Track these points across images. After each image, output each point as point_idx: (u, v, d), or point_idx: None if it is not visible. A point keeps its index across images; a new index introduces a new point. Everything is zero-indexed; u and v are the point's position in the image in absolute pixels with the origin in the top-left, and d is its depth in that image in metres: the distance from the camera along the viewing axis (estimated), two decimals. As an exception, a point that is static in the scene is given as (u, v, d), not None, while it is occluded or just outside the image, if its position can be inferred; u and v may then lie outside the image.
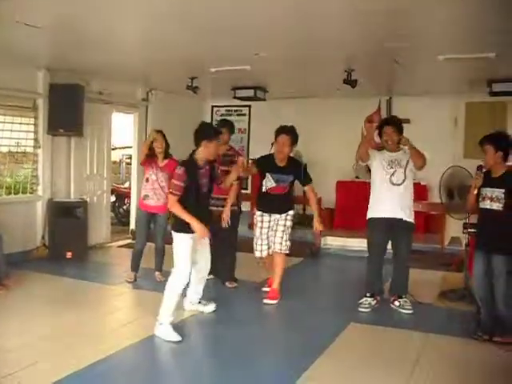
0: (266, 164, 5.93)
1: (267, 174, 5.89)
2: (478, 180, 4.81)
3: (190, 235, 4.80)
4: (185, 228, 4.80)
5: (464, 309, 5.59)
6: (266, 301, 5.95)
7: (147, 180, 6.50)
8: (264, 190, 5.95)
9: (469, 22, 4.90)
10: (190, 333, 4.87)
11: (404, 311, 5.65)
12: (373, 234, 5.76)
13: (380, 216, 5.64)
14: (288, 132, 5.77)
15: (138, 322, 5.28)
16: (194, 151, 4.88)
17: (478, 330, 4.76)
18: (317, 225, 5.88)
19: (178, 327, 4.81)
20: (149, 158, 6.55)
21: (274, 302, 5.94)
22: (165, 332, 4.69)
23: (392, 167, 5.62)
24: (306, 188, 6.00)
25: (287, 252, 6.00)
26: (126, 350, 4.47)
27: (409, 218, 5.62)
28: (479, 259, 4.83)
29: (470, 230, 5.73)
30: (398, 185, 5.58)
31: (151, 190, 6.43)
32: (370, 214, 5.75)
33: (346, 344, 4.73)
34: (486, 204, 4.76)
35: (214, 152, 4.85)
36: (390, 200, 5.58)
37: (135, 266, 6.72)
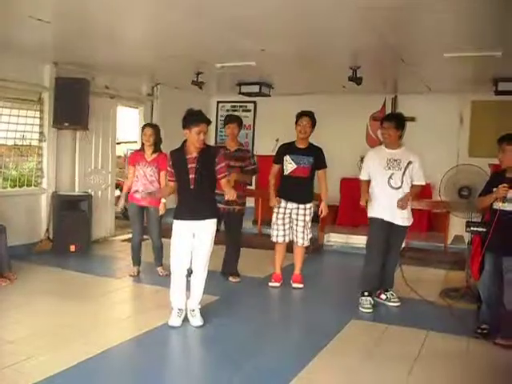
0: (286, 148, 6.26)
1: (286, 156, 6.15)
2: (505, 193, 4.59)
3: (178, 221, 4.85)
4: (178, 214, 4.89)
5: (466, 307, 5.58)
6: (294, 285, 6.35)
7: (137, 177, 6.52)
8: (285, 173, 6.18)
9: (475, 20, 4.89)
10: (190, 326, 4.88)
11: (391, 304, 5.73)
12: (374, 233, 5.64)
13: (380, 217, 5.56)
14: (309, 115, 6.17)
15: (140, 316, 5.30)
16: (185, 140, 4.87)
17: (478, 328, 4.75)
18: (323, 207, 6.18)
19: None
20: (135, 155, 6.68)
21: (302, 285, 6.35)
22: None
23: (390, 168, 5.53)
24: (320, 171, 6.22)
25: (308, 244, 6.38)
26: (128, 344, 4.48)
27: (406, 222, 5.62)
28: (490, 259, 4.78)
29: (472, 228, 5.70)
30: (396, 189, 5.52)
31: (141, 185, 6.43)
32: (372, 213, 5.65)
33: (347, 341, 4.74)
34: (506, 205, 4.64)
35: (194, 140, 4.71)
36: (388, 203, 5.50)
37: (136, 260, 6.74)
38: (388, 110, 10.02)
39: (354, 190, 6.88)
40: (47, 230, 7.98)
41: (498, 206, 4.67)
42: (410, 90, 9.60)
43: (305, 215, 6.18)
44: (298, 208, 6.17)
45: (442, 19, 4.91)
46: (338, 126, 10.10)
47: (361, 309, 5.57)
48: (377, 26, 5.22)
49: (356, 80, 7.41)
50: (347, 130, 10.14)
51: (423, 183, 5.65)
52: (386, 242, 5.62)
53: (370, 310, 5.55)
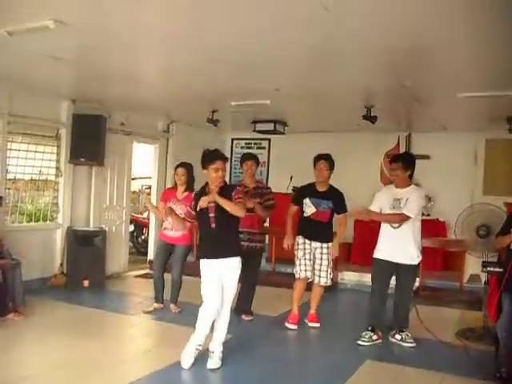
0: (305, 190, 6.27)
1: (305, 199, 6.15)
2: None
3: (207, 261, 4.80)
4: (202, 253, 4.89)
5: (483, 349, 5.47)
6: (310, 324, 6.32)
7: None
8: (305, 215, 6.17)
9: (489, 60, 4.92)
10: (205, 365, 4.82)
11: (406, 345, 5.65)
12: (375, 273, 5.81)
13: (381, 257, 5.67)
14: (326, 158, 6.17)
15: (153, 354, 5.27)
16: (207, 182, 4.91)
17: (497, 371, 4.63)
18: (334, 250, 6.14)
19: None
20: (168, 192, 6.75)
21: (318, 324, 6.31)
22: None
23: (394, 207, 5.59)
24: (339, 216, 6.20)
25: (330, 284, 6.37)
26: (142, 381, 4.44)
27: (411, 261, 5.61)
28: (508, 300, 4.70)
29: (489, 268, 5.63)
30: (395, 228, 5.57)
31: (169, 223, 6.45)
32: (375, 254, 5.78)
33: (362, 382, 4.67)
34: None
35: (213, 178, 4.75)
36: (389, 243, 5.63)
37: (158, 296, 6.72)
38: (402, 148, 10.05)
39: (368, 228, 6.87)
40: (61, 264, 8.01)
41: None
42: (424, 129, 9.61)
43: (328, 254, 6.16)
44: (322, 247, 6.15)
45: (457, 61, 4.96)
46: (352, 164, 10.08)
47: (358, 342, 5.65)
48: (392, 67, 5.28)
49: (370, 119, 7.45)
50: (361, 167, 10.14)
51: (408, 214, 5.47)
52: (389, 280, 5.76)
53: (367, 344, 5.63)
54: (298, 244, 6.22)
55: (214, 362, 4.79)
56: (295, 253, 6.25)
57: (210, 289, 4.77)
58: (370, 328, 5.73)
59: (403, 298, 5.73)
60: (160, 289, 6.72)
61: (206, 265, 4.82)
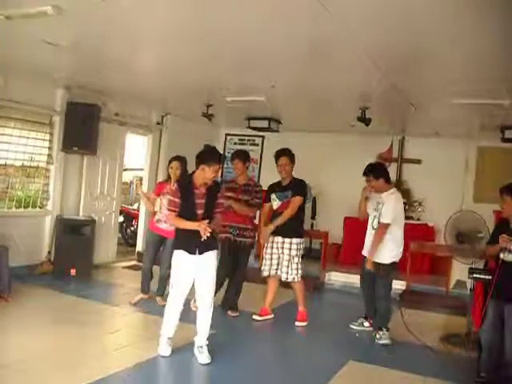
0: (272, 187, 6.40)
1: (272, 194, 6.30)
2: (505, 244, 4.57)
3: (185, 254, 4.77)
4: (179, 245, 4.83)
5: (466, 354, 5.49)
6: (297, 323, 6.29)
7: (160, 207, 6.51)
8: (274, 210, 6.29)
9: (485, 69, 4.96)
10: (187, 359, 4.81)
11: (380, 342, 5.76)
12: (362, 268, 6.09)
13: (363, 253, 6.04)
14: (286, 153, 6.29)
15: (137, 345, 5.24)
16: (193, 172, 4.85)
17: (478, 376, 4.66)
18: (270, 226, 6.17)
19: (177, 351, 4.87)
20: (161, 186, 6.66)
21: (305, 323, 6.31)
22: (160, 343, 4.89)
23: (376, 210, 5.89)
24: (294, 198, 6.15)
25: (297, 280, 6.20)
26: (124, 372, 4.44)
27: (380, 259, 5.77)
28: (493, 307, 4.73)
29: (476, 275, 5.64)
30: (375, 229, 5.86)
31: (164, 216, 6.40)
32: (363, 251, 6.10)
33: (343, 383, 4.67)
34: (506, 256, 4.64)
35: (209, 177, 4.70)
36: (368, 242, 5.98)
37: (145, 287, 6.70)
38: (395, 151, 10.11)
39: (357, 229, 6.90)
40: (49, 252, 7.97)
41: (503, 255, 4.64)
42: (417, 133, 9.67)
43: (290, 249, 6.12)
44: (284, 242, 6.15)
45: (451, 66, 4.99)
46: (343, 165, 10.14)
47: (350, 325, 6.27)
48: (387, 70, 5.30)
49: (365, 121, 7.46)
50: (353, 168, 10.04)
51: (383, 221, 5.76)
52: (368, 277, 6.02)
53: (357, 328, 6.21)
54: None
55: (204, 356, 4.77)
56: None
57: (181, 282, 4.81)
58: (364, 315, 6.22)
59: (377, 295, 5.92)
60: (148, 280, 6.70)
61: (184, 258, 4.79)
